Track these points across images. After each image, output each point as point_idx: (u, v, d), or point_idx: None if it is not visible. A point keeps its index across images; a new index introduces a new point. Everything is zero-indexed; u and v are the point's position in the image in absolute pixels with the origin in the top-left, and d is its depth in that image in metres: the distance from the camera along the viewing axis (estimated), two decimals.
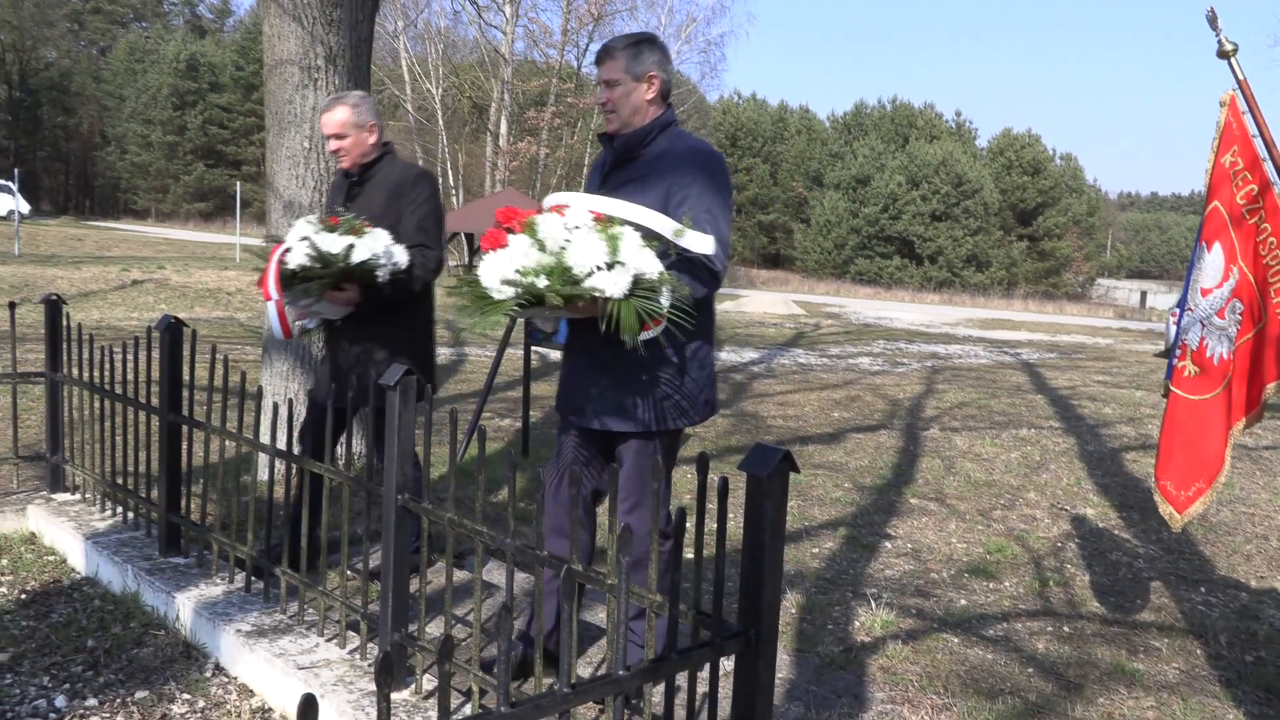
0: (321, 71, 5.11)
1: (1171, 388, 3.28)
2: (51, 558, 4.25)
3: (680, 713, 2.65)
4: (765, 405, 9.34)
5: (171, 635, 3.48)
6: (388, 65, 38.47)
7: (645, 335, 2.59)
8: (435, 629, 3.29)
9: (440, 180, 40.36)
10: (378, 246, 3.47)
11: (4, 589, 3.88)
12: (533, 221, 2.56)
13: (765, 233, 58.63)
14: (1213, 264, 3.19)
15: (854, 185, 50.79)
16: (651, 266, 2.52)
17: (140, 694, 3.06)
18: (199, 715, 2.98)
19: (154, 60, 56.98)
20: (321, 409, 3.74)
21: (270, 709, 3.04)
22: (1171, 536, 5.39)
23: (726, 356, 13.78)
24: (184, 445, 3.96)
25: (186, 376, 3.92)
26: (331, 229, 3.44)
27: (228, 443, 3.66)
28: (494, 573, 4.01)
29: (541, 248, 2.50)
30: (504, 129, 35.47)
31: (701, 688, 2.48)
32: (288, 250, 3.42)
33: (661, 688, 2.33)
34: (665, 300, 2.54)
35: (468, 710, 2.75)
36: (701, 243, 2.69)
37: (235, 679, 3.20)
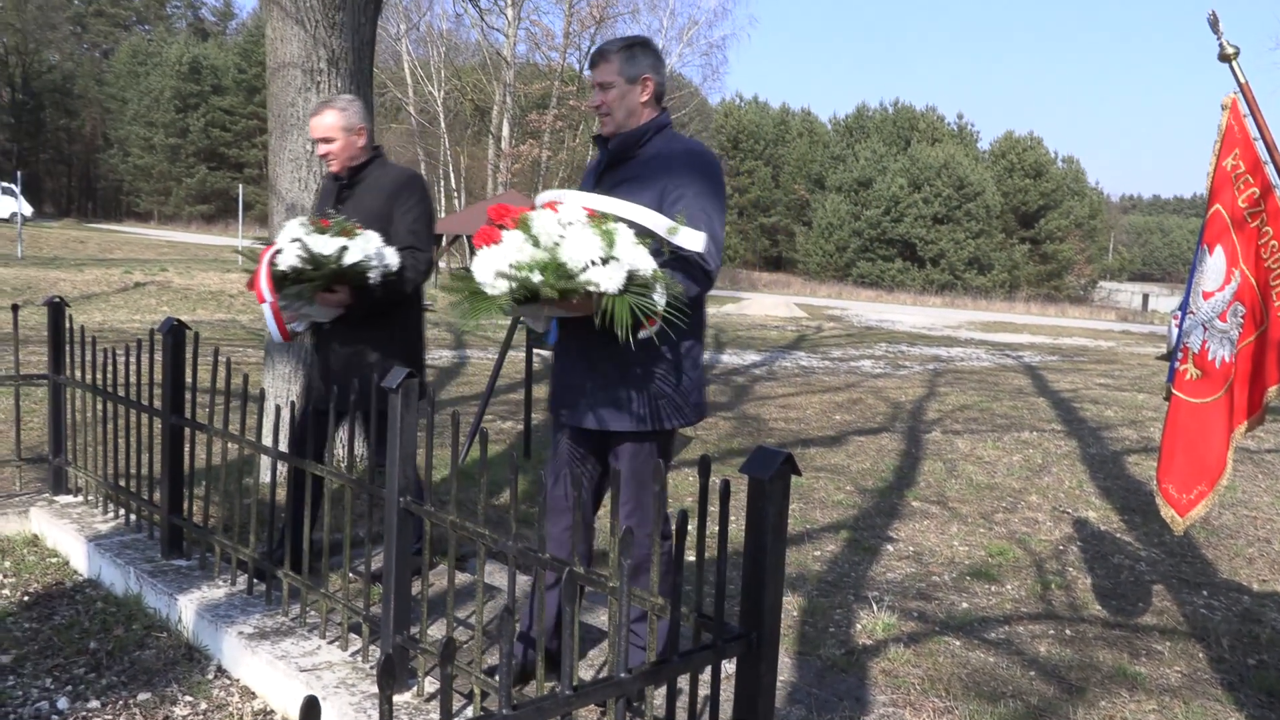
0: (324, 74, 5.12)
1: (1173, 391, 3.28)
2: (54, 560, 4.26)
3: (682, 715, 2.64)
4: (767, 408, 9.34)
5: (174, 637, 3.48)
6: (390, 68, 38.51)
7: (642, 334, 2.59)
8: (437, 631, 3.29)
9: (442, 183, 40.40)
10: (370, 248, 3.46)
11: (6, 591, 3.88)
12: (526, 218, 2.56)
13: (767, 235, 58.62)
14: (1214, 267, 3.19)
15: (856, 188, 50.79)
16: (645, 263, 2.52)
17: (143, 696, 3.06)
18: (201, 717, 2.99)
19: (156, 63, 57.06)
20: (315, 412, 3.72)
21: (272, 711, 3.04)
22: (1173, 540, 5.38)
23: (728, 359, 13.78)
24: (186, 448, 3.97)
25: (189, 379, 3.93)
26: (322, 231, 3.43)
27: (230, 445, 3.66)
28: (496, 575, 4.01)
29: (535, 243, 2.50)
30: (506, 132, 35.49)
31: (703, 690, 2.48)
32: (278, 252, 3.40)
33: (663, 690, 2.33)
34: (659, 297, 2.54)
35: (469, 713, 2.75)
36: (694, 240, 2.69)
37: (237, 681, 3.21)
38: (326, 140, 3.73)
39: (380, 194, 3.73)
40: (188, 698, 3.08)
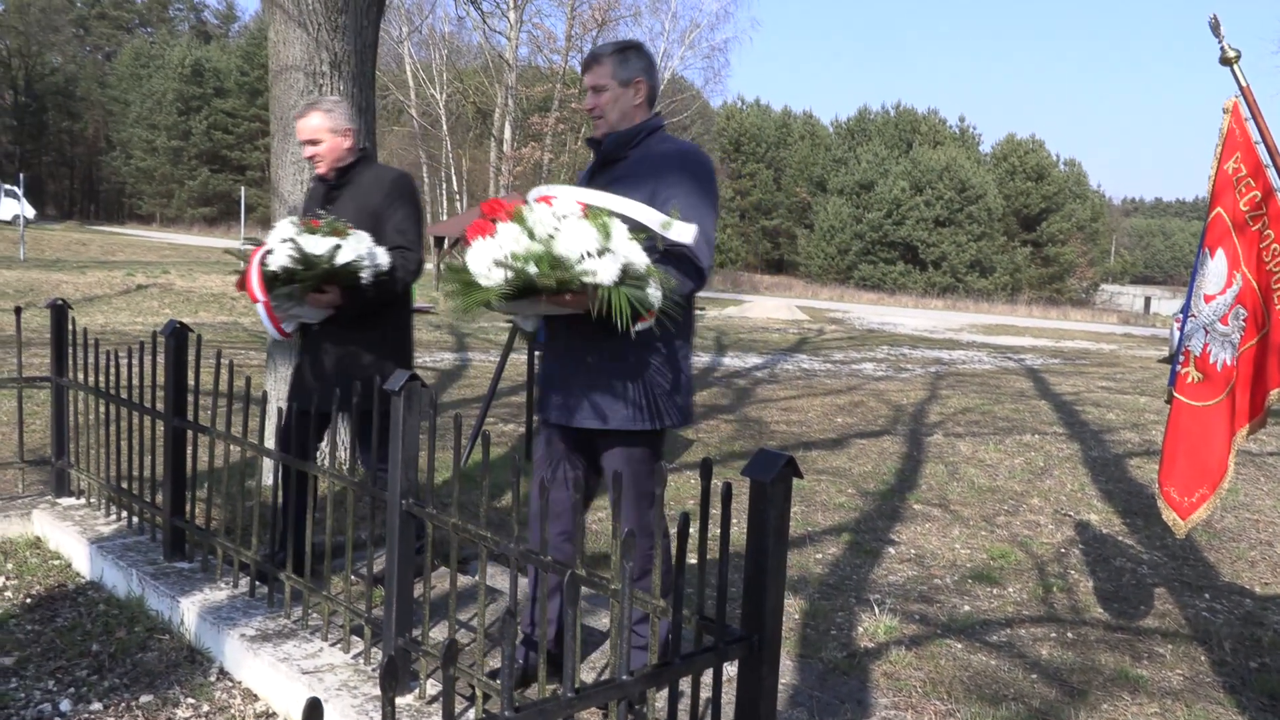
0: (326, 77, 5.12)
1: (1175, 394, 3.28)
2: (56, 562, 4.26)
3: (684, 718, 2.65)
4: (769, 410, 9.34)
5: (176, 640, 3.49)
6: (392, 71, 38.57)
7: (638, 326, 2.59)
8: (439, 634, 3.30)
9: (444, 186, 40.45)
10: (362, 248, 3.45)
11: (9, 593, 3.89)
12: (521, 210, 2.57)
13: (769, 238, 58.63)
14: (1216, 270, 3.19)
15: (857, 191, 50.81)
16: (640, 258, 2.53)
17: (145, 698, 3.06)
18: (203, 719, 2.99)
19: (159, 65, 57.17)
20: (306, 414, 3.69)
21: (274, 713, 3.04)
22: (1175, 543, 5.38)
23: (729, 362, 13.78)
24: (189, 450, 3.98)
25: (191, 381, 3.93)
26: (313, 231, 3.42)
27: (232, 447, 3.67)
28: (497, 578, 4.02)
29: (531, 235, 2.50)
30: (508, 134, 35.52)
31: (705, 693, 2.48)
32: (269, 252, 3.39)
33: (665, 693, 2.33)
34: (654, 292, 2.54)
35: (472, 715, 2.76)
36: (686, 232, 2.70)
37: (239, 683, 3.21)
38: (313, 142, 3.73)
39: (369, 194, 3.72)
40: (190, 700, 3.08)
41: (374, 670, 3.02)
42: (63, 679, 3.17)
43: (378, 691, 2.87)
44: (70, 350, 4.67)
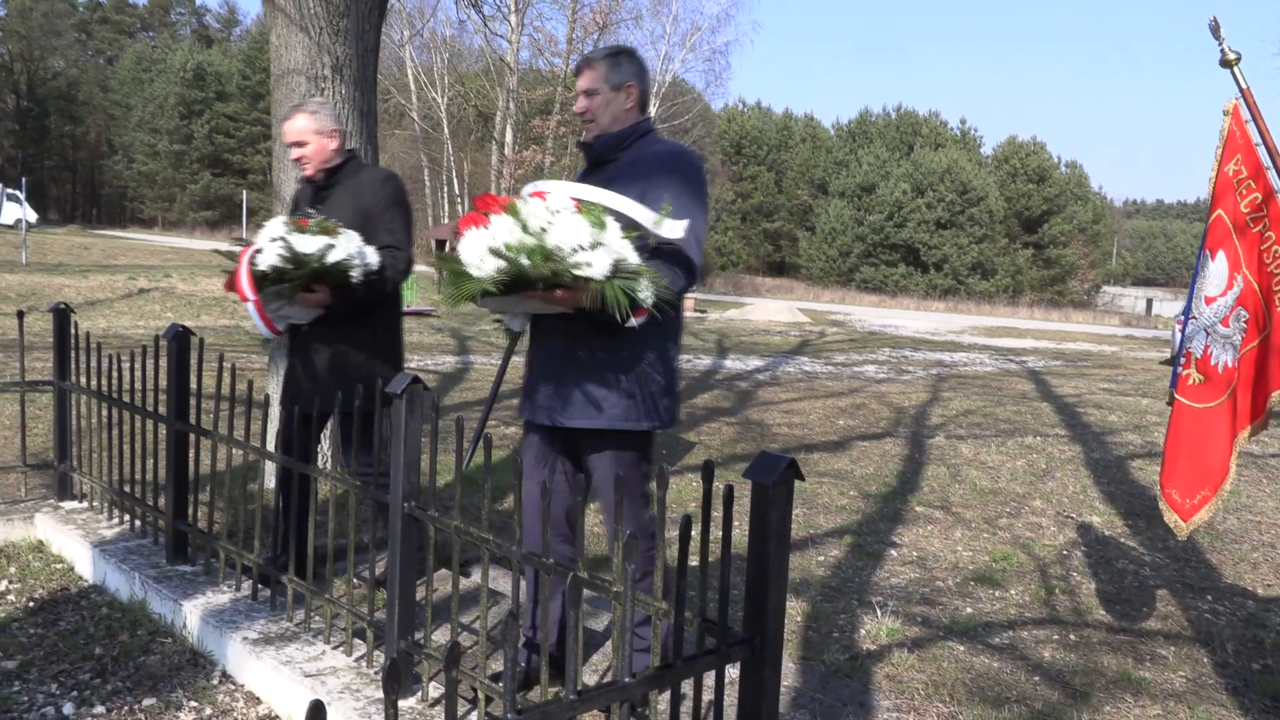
0: (328, 81, 5.13)
1: (1176, 396, 3.29)
2: (59, 565, 4.27)
3: None
4: (770, 413, 9.34)
5: (179, 643, 3.49)
6: (393, 74, 38.62)
7: (633, 322, 2.60)
8: (441, 637, 3.30)
9: (446, 189, 40.48)
10: (352, 247, 3.44)
11: (12, 597, 3.89)
12: (514, 204, 2.57)
13: (770, 241, 58.67)
14: (1217, 272, 3.19)
15: (859, 193, 50.84)
16: (631, 254, 2.54)
17: (148, 701, 3.07)
18: None
19: (161, 69, 57.31)
20: (306, 417, 3.68)
21: (277, 716, 3.05)
22: (1178, 544, 5.38)
23: (731, 364, 13.78)
24: (191, 453, 3.98)
25: (193, 385, 3.94)
26: (302, 231, 3.42)
27: (235, 451, 3.67)
28: (499, 581, 4.02)
29: (524, 228, 2.50)
30: (509, 137, 35.56)
31: (707, 695, 2.48)
32: (258, 251, 3.38)
33: (667, 695, 2.34)
34: (645, 289, 2.55)
35: (474, 718, 2.76)
36: (676, 228, 2.71)
37: (242, 686, 3.21)
38: (299, 144, 3.73)
39: (358, 195, 3.72)
40: (192, 703, 3.09)
41: (376, 673, 3.03)
42: (65, 682, 3.18)
43: (380, 694, 2.87)
44: (72, 354, 4.67)
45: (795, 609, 4.14)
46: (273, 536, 3.68)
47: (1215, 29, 3.13)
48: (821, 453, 7.50)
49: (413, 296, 19.48)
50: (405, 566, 2.86)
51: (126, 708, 3.02)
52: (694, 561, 4.18)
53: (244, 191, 38.07)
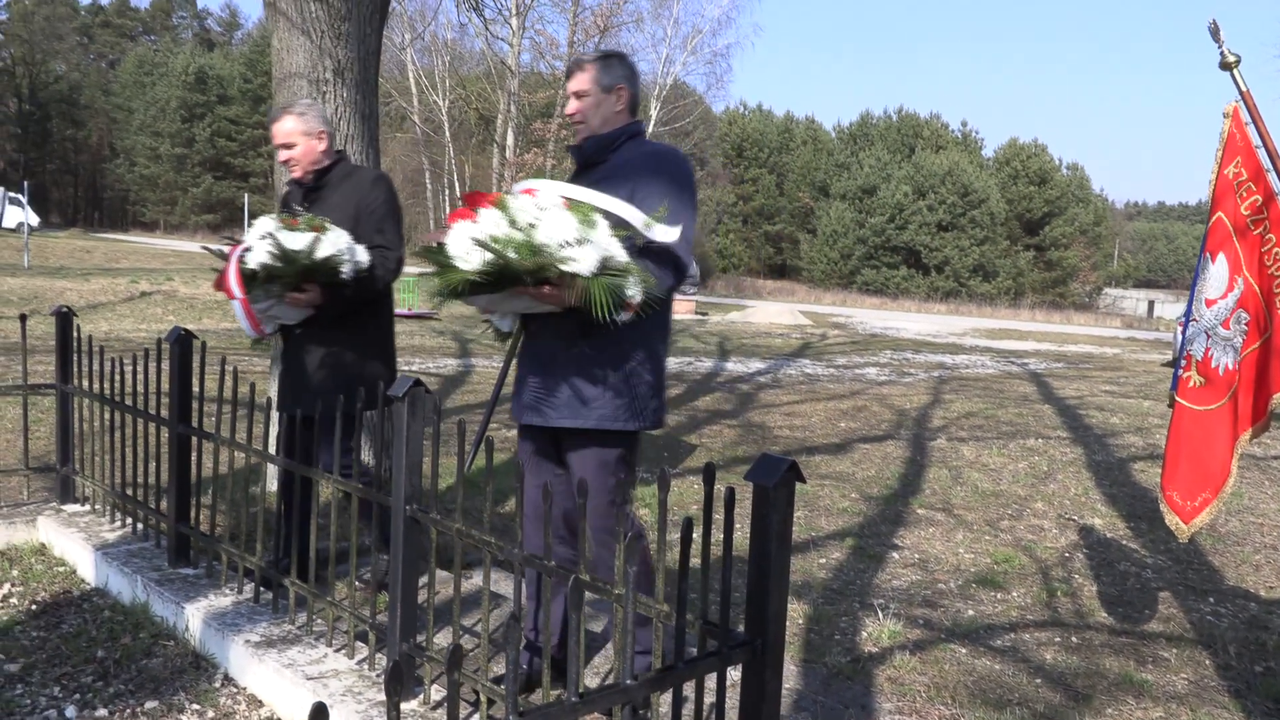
0: (330, 84, 5.14)
1: (1177, 398, 3.29)
2: (61, 568, 4.27)
3: None
4: (772, 416, 9.34)
5: (181, 646, 3.49)
6: (395, 77, 38.66)
7: (620, 317, 2.60)
8: (443, 639, 3.30)
9: (447, 192, 40.51)
10: (341, 243, 3.44)
11: (15, 600, 3.90)
12: (503, 200, 2.58)
13: (771, 243, 58.67)
14: (1217, 275, 3.19)
15: (860, 195, 50.85)
16: (619, 252, 2.54)
17: (150, 704, 3.07)
18: None
19: (163, 73, 57.40)
20: (308, 419, 3.66)
21: (279, 719, 3.05)
22: (1180, 547, 5.38)
23: (733, 367, 13.78)
24: (193, 456, 3.99)
25: (196, 388, 3.94)
26: (292, 230, 3.42)
27: (237, 454, 3.68)
28: (501, 583, 4.02)
29: (512, 223, 2.51)
30: (511, 141, 35.59)
31: (709, 698, 2.48)
32: (248, 250, 3.38)
33: (669, 697, 2.34)
34: (634, 286, 2.55)
35: None
36: (668, 233, 2.72)
37: (244, 689, 3.21)
38: (287, 146, 3.72)
39: (347, 195, 3.72)
40: (195, 706, 3.09)
41: (379, 676, 3.03)
42: (68, 685, 3.18)
43: (382, 697, 2.88)
44: (75, 357, 4.68)
45: (797, 611, 4.14)
46: (275, 539, 3.69)
47: (1215, 32, 3.13)
48: (823, 455, 7.50)
49: (414, 299, 19.49)
50: (407, 569, 2.86)
51: (129, 711, 3.03)
52: (696, 564, 4.18)
53: (245, 195, 38.01)
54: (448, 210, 40.37)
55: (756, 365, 14.22)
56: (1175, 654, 3.93)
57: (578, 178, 2.98)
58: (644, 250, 2.74)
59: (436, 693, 2.90)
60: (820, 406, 10.05)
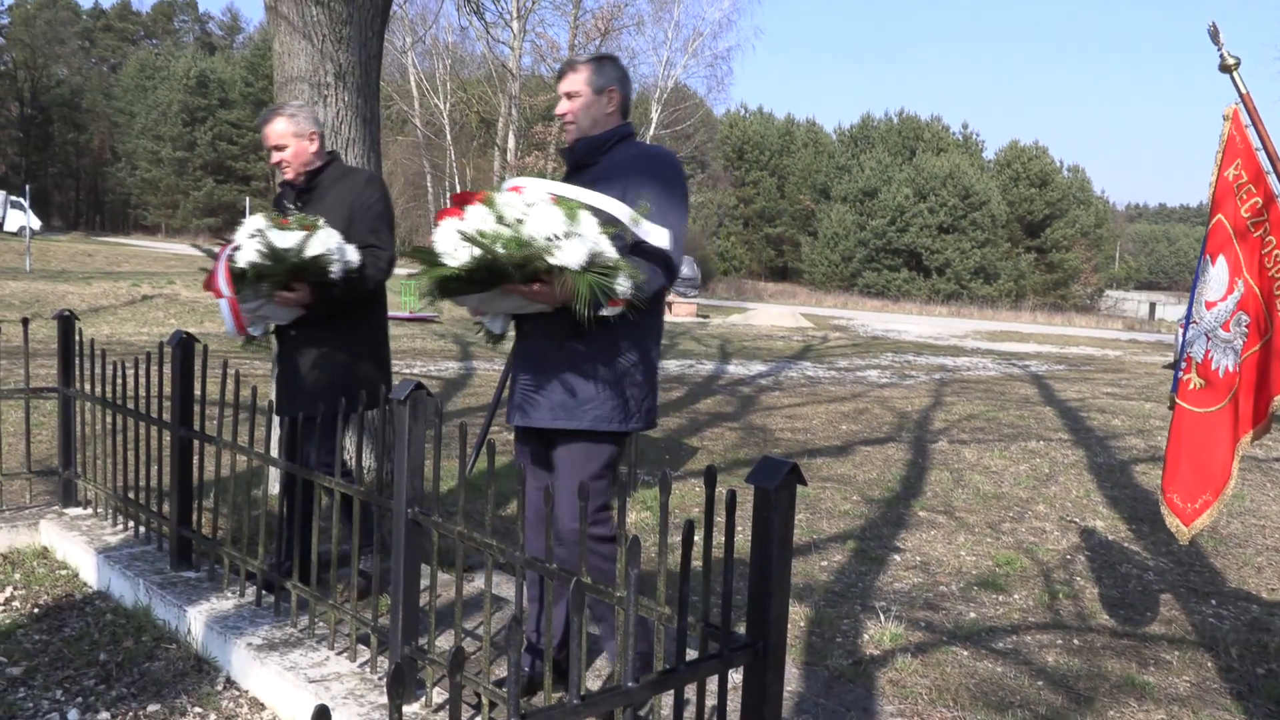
0: (331, 88, 5.15)
1: (1177, 401, 3.29)
2: (64, 572, 4.28)
3: None
4: (773, 418, 9.34)
5: (183, 649, 3.50)
6: (396, 81, 38.71)
7: (606, 311, 2.60)
8: (445, 642, 3.30)
9: (448, 195, 40.48)
10: (331, 242, 3.44)
11: (17, 603, 3.90)
12: (491, 197, 2.58)
13: (772, 246, 58.70)
14: (1217, 277, 3.20)
15: (861, 198, 50.87)
16: (608, 248, 2.54)
17: (152, 707, 3.07)
18: None
19: (164, 77, 57.49)
20: (309, 420, 3.66)
21: None
22: (1181, 549, 5.38)
23: (734, 369, 13.79)
24: (195, 460, 3.99)
25: (198, 391, 3.95)
26: (283, 229, 3.41)
27: (239, 457, 3.68)
28: (503, 586, 4.02)
29: (500, 219, 2.51)
30: (512, 144, 35.64)
31: (710, 700, 2.49)
32: (237, 248, 3.38)
33: (670, 699, 2.34)
34: (623, 282, 2.55)
35: None
36: (660, 235, 2.72)
37: (246, 692, 3.22)
38: (279, 148, 3.73)
39: (341, 196, 3.72)
40: (197, 709, 3.09)
41: (380, 679, 3.03)
42: (70, 688, 3.18)
43: (385, 700, 2.88)
44: (76, 361, 4.69)
45: (798, 614, 4.14)
46: (276, 542, 3.69)
47: (1214, 34, 3.13)
48: (824, 458, 7.50)
49: (416, 302, 19.49)
50: (409, 572, 2.87)
51: (131, 714, 3.03)
52: (697, 566, 4.18)
53: (247, 198, 38.08)
54: None
55: (758, 368, 14.23)
56: (1177, 656, 3.93)
57: (569, 180, 2.98)
58: (634, 249, 2.74)
59: (438, 695, 2.90)
60: (822, 409, 10.06)
